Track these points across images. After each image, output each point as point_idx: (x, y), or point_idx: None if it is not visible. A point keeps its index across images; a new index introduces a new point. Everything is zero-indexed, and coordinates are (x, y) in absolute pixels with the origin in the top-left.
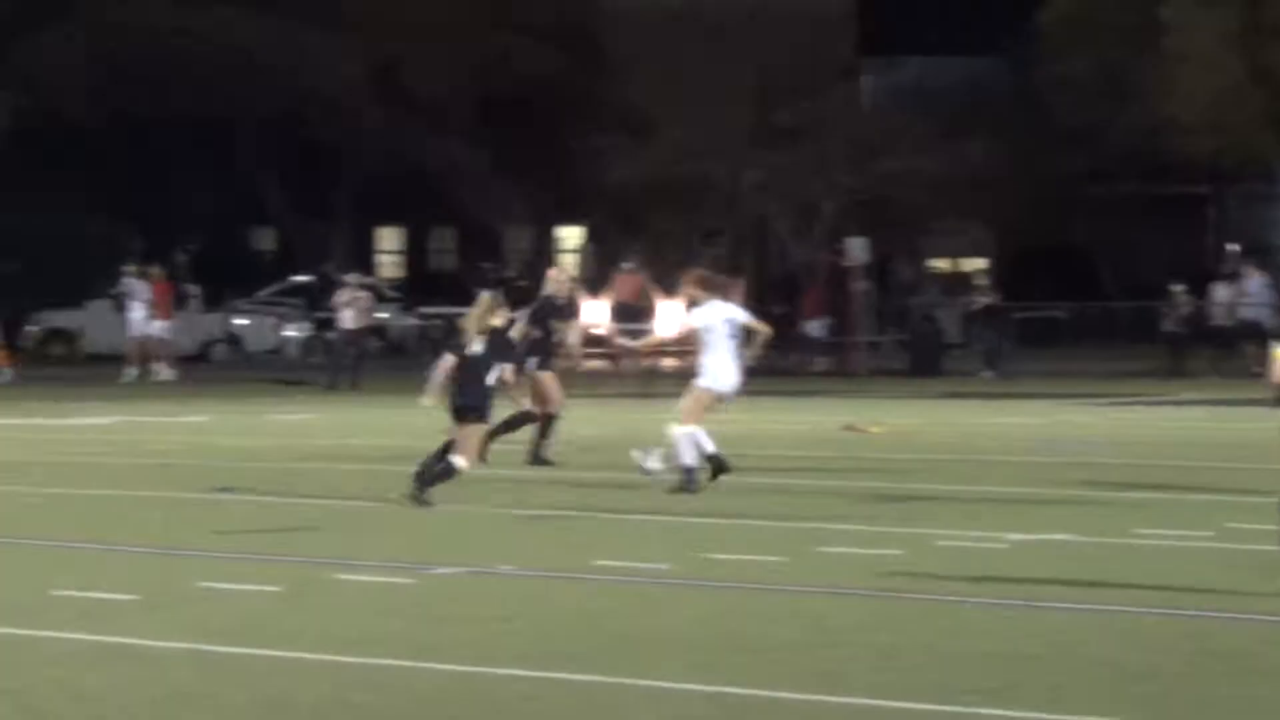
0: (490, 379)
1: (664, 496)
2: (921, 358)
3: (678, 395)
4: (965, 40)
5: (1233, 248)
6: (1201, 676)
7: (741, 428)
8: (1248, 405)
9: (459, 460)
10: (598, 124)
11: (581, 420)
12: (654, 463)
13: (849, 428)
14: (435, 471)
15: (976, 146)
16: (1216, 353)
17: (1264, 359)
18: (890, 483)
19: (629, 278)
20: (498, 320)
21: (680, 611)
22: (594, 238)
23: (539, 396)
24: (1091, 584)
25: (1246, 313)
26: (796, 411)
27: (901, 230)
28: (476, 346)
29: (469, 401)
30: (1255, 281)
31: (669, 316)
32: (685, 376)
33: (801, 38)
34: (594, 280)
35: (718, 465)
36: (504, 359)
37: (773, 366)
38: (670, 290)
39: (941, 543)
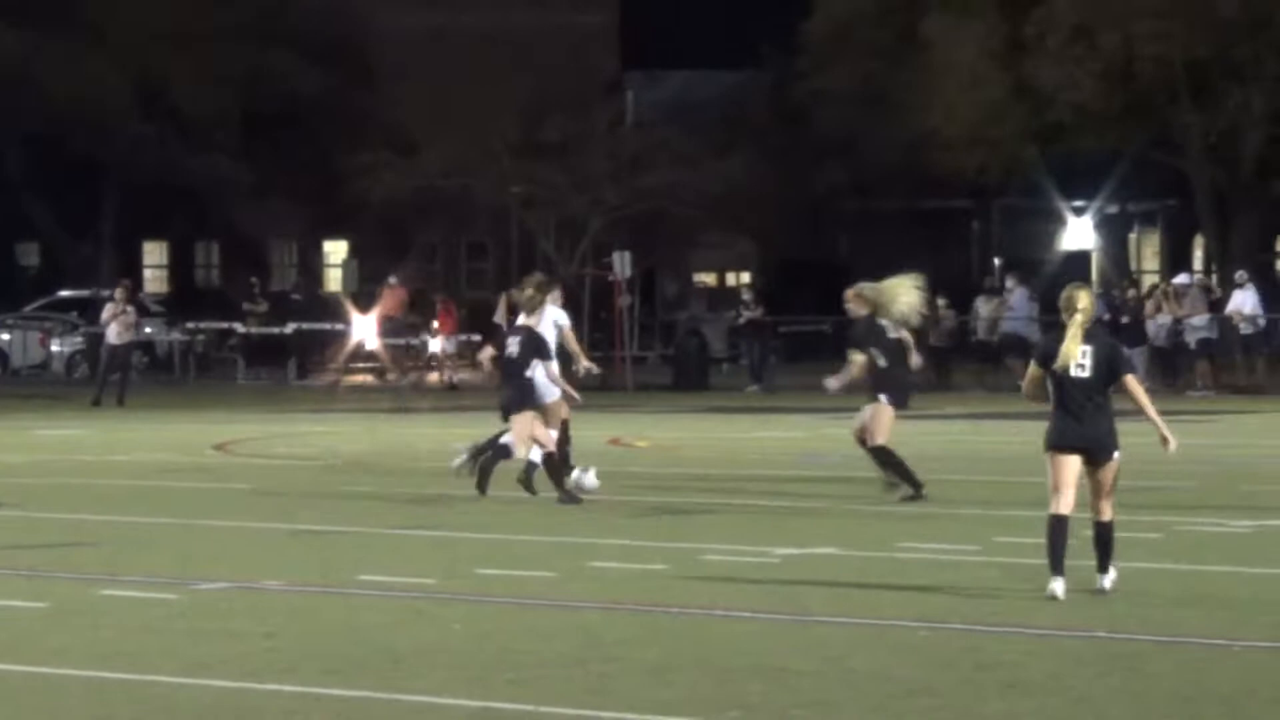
0: (529, 373)
1: (429, 513)
2: (687, 372)
3: (440, 410)
4: (728, 54)
5: (997, 262)
6: (974, 690)
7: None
8: (1013, 419)
9: (518, 449)
10: (364, 140)
11: (349, 436)
12: (590, 480)
13: (615, 442)
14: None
15: (739, 160)
16: (981, 367)
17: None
18: (658, 497)
19: (394, 292)
20: (525, 319)
21: (449, 626)
22: (358, 253)
23: None
24: (862, 598)
25: (1010, 326)
26: None
27: (666, 245)
28: (513, 348)
29: (508, 400)
30: (1018, 295)
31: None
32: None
33: (565, 52)
34: (359, 295)
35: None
36: (540, 355)
37: None
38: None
39: (710, 557)
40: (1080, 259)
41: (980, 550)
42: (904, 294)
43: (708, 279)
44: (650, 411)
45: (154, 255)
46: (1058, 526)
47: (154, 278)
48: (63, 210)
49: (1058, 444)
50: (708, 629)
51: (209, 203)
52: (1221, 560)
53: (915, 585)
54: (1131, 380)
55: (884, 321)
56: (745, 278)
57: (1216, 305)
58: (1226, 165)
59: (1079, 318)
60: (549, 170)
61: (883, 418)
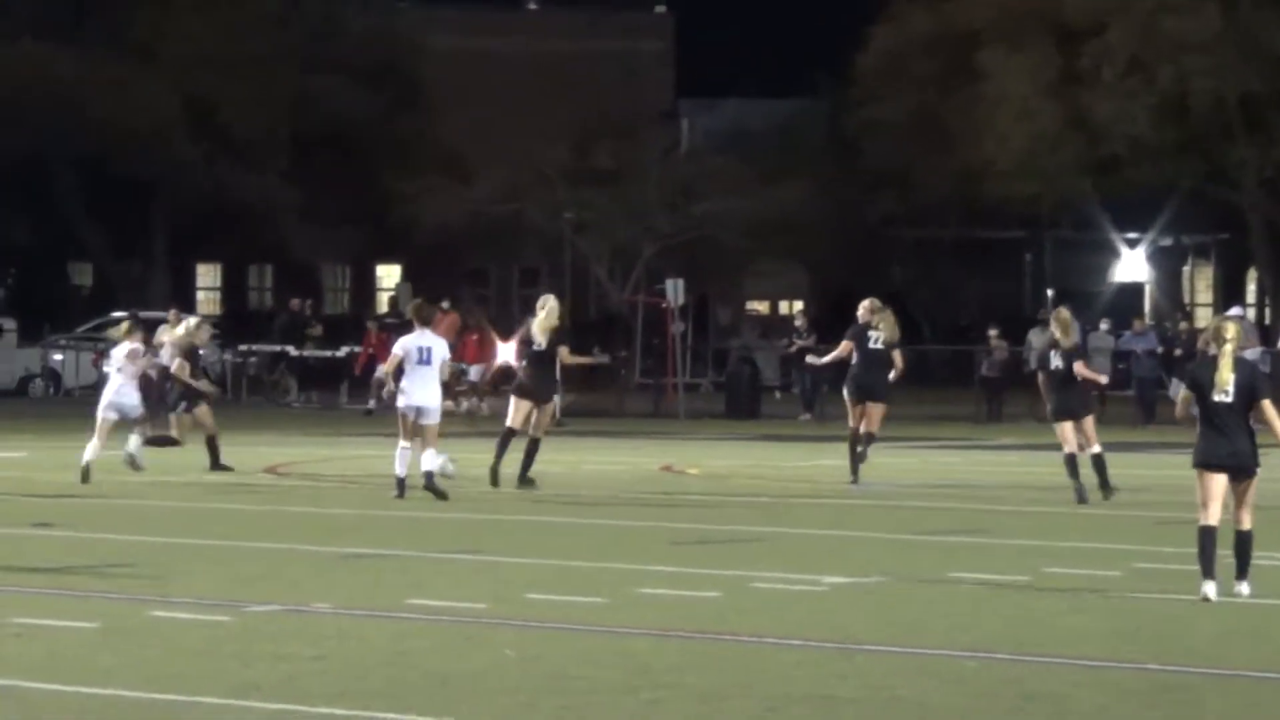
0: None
1: (479, 537)
2: (738, 400)
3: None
4: (782, 83)
5: (1049, 293)
6: (1017, 719)
7: (560, 467)
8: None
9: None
10: (414, 163)
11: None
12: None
13: (667, 469)
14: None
15: (792, 189)
16: (1033, 398)
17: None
18: (708, 524)
19: (447, 317)
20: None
21: (498, 651)
22: (410, 277)
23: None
24: (909, 627)
25: None
26: (614, 452)
27: (719, 273)
28: (542, 342)
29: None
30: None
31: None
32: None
33: (619, 79)
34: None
35: (427, 485)
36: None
37: (590, 408)
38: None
39: (759, 585)
40: (1133, 291)
41: (1030, 580)
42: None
43: (760, 307)
44: (702, 439)
45: (207, 277)
46: (1207, 536)
47: (206, 299)
48: (114, 232)
49: (1205, 462)
50: (757, 657)
51: (260, 225)
52: (1275, 594)
53: (963, 614)
54: (1267, 404)
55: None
56: (798, 306)
57: (1270, 339)
58: None
59: (1229, 347)
60: (602, 197)
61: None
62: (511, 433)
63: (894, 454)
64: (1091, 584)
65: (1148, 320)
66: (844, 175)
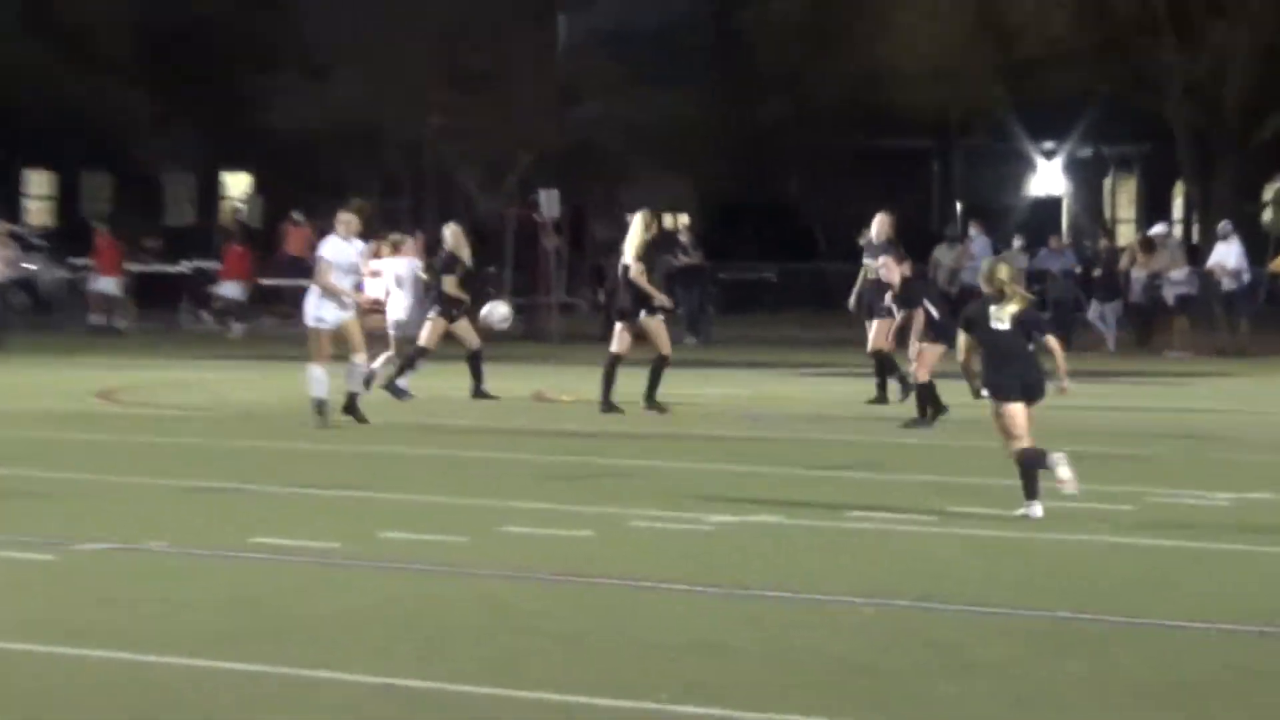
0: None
1: (332, 470)
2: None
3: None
4: None
5: (959, 207)
6: (920, 671)
7: (425, 395)
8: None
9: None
10: (268, 65)
11: (243, 384)
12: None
13: (537, 396)
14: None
15: (677, 93)
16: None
17: None
18: (582, 457)
19: (299, 230)
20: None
21: (350, 595)
22: (261, 186)
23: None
24: (803, 571)
25: (971, 277)
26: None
27: (597, 183)
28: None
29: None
30: (980, 243)
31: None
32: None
33: None
34: (260, 233)
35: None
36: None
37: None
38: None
39: (637, 523)
40: (1050, 205)
41: (933, 520)
42: None
43: None
44: (578, 364)
45: (38, 185)
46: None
47: (38, 209)
48: None
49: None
50: (632, 601)
51: (98, 130)
52: (1196, 536)
53: (861, 557)
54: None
55: None
56: (683, 220)
57: (1197, 258)
58: (1209, 108)
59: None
60: (472, 101)
61: None
62: (616, 359)
63: (788, 381)
64: (996, 525)
65: (1065, 237)
66: (734, 78)
